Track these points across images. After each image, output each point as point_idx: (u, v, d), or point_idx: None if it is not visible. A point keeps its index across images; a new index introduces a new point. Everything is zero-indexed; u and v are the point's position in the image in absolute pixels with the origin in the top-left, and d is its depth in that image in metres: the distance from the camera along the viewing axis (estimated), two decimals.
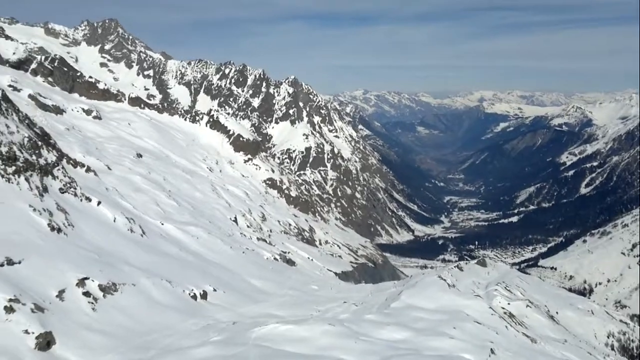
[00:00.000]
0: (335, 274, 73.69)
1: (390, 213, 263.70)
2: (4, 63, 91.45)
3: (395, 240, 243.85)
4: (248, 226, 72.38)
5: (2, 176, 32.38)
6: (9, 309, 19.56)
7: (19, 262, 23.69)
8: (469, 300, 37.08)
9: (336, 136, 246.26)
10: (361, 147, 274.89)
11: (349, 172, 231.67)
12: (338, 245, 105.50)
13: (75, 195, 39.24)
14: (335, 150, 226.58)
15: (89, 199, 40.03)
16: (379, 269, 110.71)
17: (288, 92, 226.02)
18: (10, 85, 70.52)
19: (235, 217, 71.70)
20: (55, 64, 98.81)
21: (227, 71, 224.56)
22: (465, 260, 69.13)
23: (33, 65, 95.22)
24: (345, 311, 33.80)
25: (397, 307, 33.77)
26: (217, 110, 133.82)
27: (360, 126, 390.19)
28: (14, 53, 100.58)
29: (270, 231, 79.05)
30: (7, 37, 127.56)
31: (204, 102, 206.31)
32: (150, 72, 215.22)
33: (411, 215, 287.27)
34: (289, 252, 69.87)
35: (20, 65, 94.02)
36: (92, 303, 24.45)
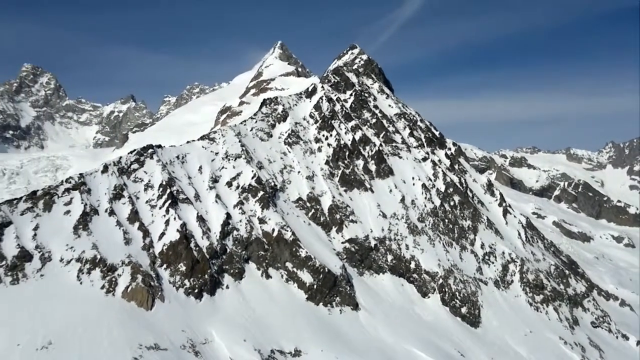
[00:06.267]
0: None
1: None
2: (527, 191, 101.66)
3: None
4: None
5: (530, 304, 34.63)
6: None
7: None
8: None
9: None
10: None
11: None
12: None
13: (610, 331, 38.29)
14: None
15: (625, 337, 38.37)
16: None
17: None
18: (534, 213, 76.78)
19: None
20: (579, 190, 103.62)
21: None
22: None
23: (556, 192, 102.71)
24: None
25: None
26: None
27: None
28: (536, 181, 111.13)
29: None
30: (530, 166, 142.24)
31: None
32: None
33: None
34: None
35: (543, 192, 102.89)
36: None
